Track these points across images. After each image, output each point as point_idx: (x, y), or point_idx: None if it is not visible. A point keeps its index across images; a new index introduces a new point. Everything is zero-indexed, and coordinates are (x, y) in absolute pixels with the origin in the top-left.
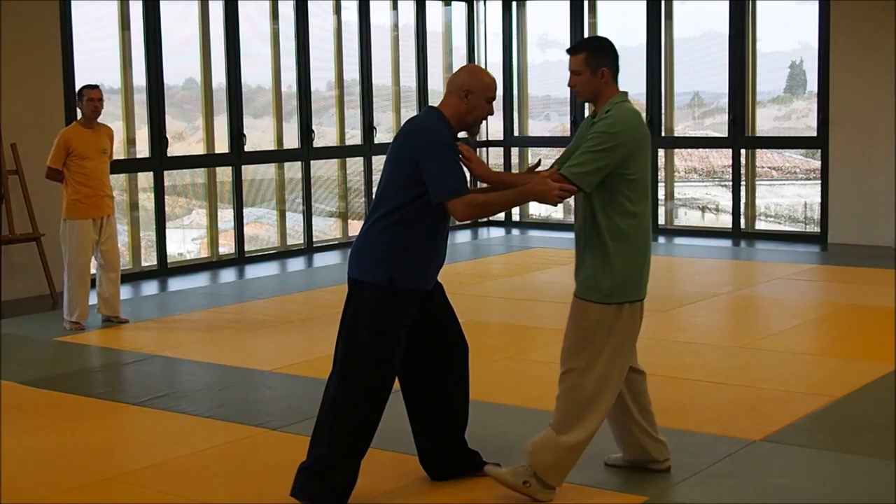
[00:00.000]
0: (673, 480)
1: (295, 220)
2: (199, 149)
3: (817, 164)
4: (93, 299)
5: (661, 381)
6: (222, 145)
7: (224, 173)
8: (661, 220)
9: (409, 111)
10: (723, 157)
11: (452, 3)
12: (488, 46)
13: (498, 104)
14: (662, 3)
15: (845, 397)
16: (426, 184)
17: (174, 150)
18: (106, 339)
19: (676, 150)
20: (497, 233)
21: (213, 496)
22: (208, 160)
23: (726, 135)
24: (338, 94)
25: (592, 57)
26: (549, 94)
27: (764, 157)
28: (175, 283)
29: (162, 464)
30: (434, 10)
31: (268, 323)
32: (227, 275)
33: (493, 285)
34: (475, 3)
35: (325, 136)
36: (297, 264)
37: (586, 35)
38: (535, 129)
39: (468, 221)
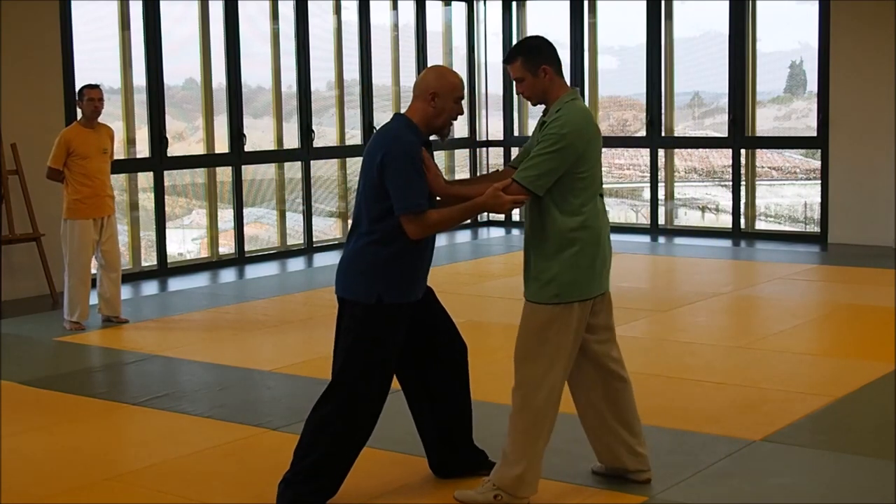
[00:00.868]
0: (673, 480)
1: (295, 220)
2: (199, 149)
3: (817, 164)
4: (93, 299)
5: (661, 381)
6: (222, 145)
7: (224, 173)
8: (661, 220)
9: None
10: (723, 157)
11: (452, 3)
12: (488, 46)
13: (498, 104)
14: (662, 3)
15: (845, 397)
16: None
17: (174, 150)
18: (106, 339)
19: (676, 150)
20: (497, 233)
21: (213, 496)
22: (208, 160)
23: (726, 135)
24: (338, 94)
25: (529, 59)
26: None
27: (764, 157)
28: (175, 283)
29: (162, 464)
30: (434, 10)
31: (268, 323)
32: (227, 275)
33: (493, 285)
34: (475, 3)
35: (325, 136)
36: (297, 264)
37: (586, 35)
38: None
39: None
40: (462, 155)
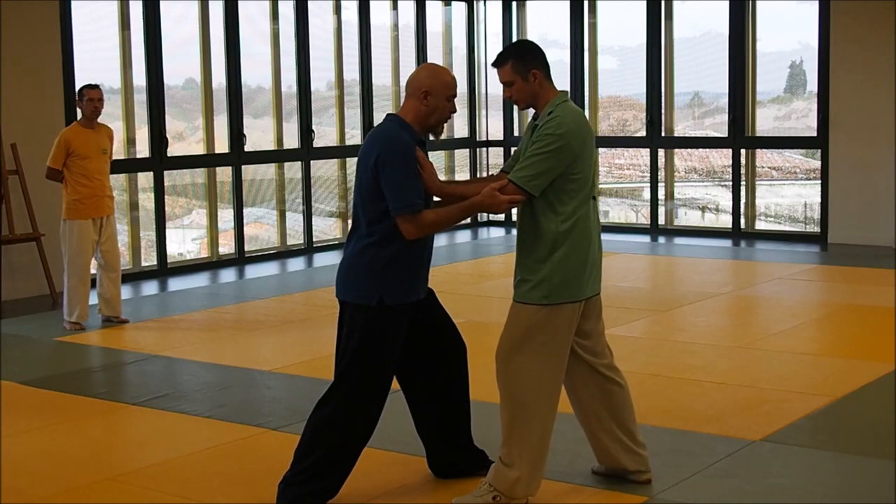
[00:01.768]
0: (673, 480)
1: (295, 220)
2: (199, 149)
3: (817, 164)
4: (93, 299)
5: (661, 381)
6: (222, 145)
7: (224, 173)
8: (661, 220)
9: None
10: (723, 157)
11: (452, 3)
12: (488, 46)
13: (498, 104)
14: (662, 3)
15: (845, 397)
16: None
17: (174, 150)
18: (106, 339)
19: (676, 150)
20: (497, 233)
21: (213, 496)
22: (208, 160)
23: (726, 135)
24: (338, 94)
25: (519, 63)
26: None
27: (764, 157)
28: (175, 283)
29: (162, 464)
30: (434, 10)
31: (268, 323)
32: (227, 275)
33: (493, 285)
34: (475, 3)
35: (325, 136)
36: (297, 264)
37: (586, 35)
38: None
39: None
40: (462, 155)
